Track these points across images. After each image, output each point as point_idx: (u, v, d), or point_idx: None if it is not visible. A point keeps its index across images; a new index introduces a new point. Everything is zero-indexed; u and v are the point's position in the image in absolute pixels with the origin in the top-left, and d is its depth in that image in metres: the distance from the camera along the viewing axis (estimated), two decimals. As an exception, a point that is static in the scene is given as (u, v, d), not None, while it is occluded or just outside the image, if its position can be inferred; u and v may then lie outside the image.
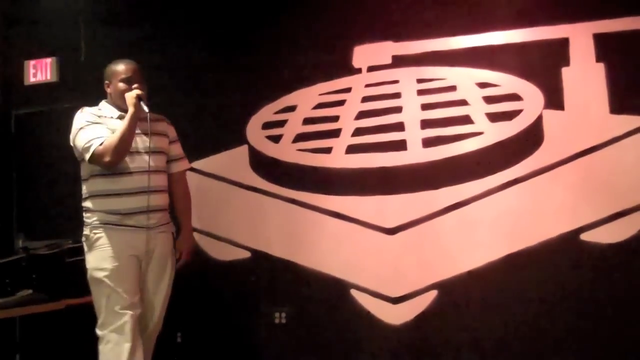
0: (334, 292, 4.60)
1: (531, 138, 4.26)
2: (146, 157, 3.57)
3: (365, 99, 4.67)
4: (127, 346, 3.47)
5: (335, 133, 4.69)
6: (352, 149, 4.64)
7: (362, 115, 4.65)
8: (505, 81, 4.35)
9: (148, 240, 3.55)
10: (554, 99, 4.22)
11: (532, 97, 4.28)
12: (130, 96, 3.55)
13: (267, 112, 4.88)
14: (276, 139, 4.82)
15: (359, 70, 4.70)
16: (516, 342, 4.22)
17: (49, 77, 5.45)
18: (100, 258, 3.54)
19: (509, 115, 4.31)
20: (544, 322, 4.17)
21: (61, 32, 5.38)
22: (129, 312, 3.49)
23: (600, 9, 4.14)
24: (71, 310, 4.22)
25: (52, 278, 4.30)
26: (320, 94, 4.78)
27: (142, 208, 3.52)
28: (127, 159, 3.53)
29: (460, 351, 4.33)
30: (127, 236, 3.53)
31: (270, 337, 4.73)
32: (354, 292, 4.57)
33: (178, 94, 4.98)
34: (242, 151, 4.88)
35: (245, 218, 4.84)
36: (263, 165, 4.84)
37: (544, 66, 4.25)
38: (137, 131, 3.58)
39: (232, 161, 4.84)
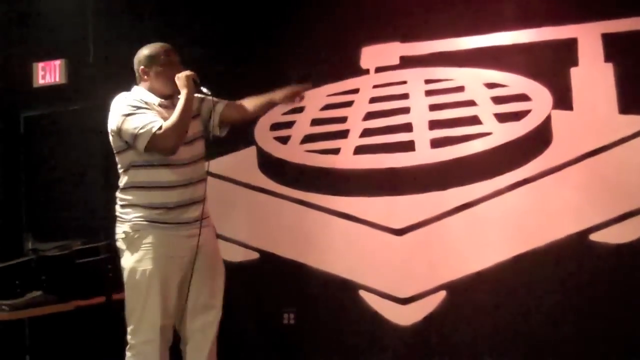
0: (343, 293, 4.60)
1: (540, 138, 4.25)
2: (186, 146, 3.35)
3: (373, 100, 4.67)
4: None
5: (343, 134, 4.69)
6: (360, 150, 4.64)
7: (370, 116, 4.65)
8: (514, 81, 4.34)
9: (195, 235, 3.32)
10: (563, 99, 4.21)
11: (540, 97, 4.27)
12: (184, 76, 3.34)
13: (275, 113, 4.86)
14: (284, 140, 4.83)
15: (366, 71, 4.71)
16: (525, 343, 4.22)
17: (57, 79, 5.47)
18: (141, 259, 3.26)
19: (517, 116, 4.30)
20: (553, 322, 4.16)
21: (70, 34, 5.40)
22: (165, 326, 3.28)
23: (608, 9, 4.13)
24: (81, 312, 4.23)
25: (61, 279, 4.32)
26: (328, 95, 4.78)
27: (187, 201, 3.32)
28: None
29: (469, 352, 4.33)
30: (173, 234, 3.30)
31: (279, 337, 4.74)
32: (362, 293, 4.57)
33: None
34: (250, 152, 4.90)
35: (253, 219, 4.85)
36: (271, 166, 4.85)
37: (553, 66, 4.25)
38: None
39: (240, 162, 4.85)
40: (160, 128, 3.20)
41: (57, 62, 5.48)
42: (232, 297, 4.68)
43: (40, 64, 5.50)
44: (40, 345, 4.70)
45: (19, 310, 3.95)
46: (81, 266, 4.50)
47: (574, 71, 4.20)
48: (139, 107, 3.29)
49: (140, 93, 3.43)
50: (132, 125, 3.25)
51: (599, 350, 4.06)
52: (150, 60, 3.46)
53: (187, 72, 3.37)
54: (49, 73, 5.49)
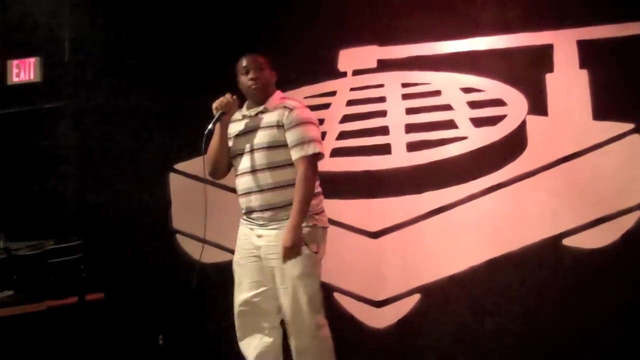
0: (317, 295, 4.60)
1: (515, 143, 4.29)
2: (248, 156, 3.36)
3: (350, 103, 4.69)
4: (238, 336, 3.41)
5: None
6: (336, 152, 4.65)
7: (347, 118, 4.67)
8: (490, 86, 4.38)
9: (257, 236, 3.35)
10: (538, 105, 4.26)
11: (516, 102, 4.31)
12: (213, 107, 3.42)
13: (252, 115, 4.87)
14: (261, 141, 4.82)
15: (344, 74, 4.72)
16: (498, 347, 4.24)
17: (32, 77, 5.40)
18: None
19: (492, 121, 4.34)
20: (525, 326, 4.20)
21: (45, 32, 5.34)
22: (240, 308, 3.39)
23: (584, 16, 4.18)
24: (53, 312, 4.19)
25: (33, 279, 4.26)
26: (305, 97, 4.77)
27: (249, 208, 3.36)
28: (236, 161, 3.41)
29: (442, 355, 4.34)
30: (246, 232, 3.42)
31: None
32: (337, 295, 4.57)
33: (163, 94, 4.97)
34: (226, 153, 4.87)
35: (228, 220, 4.80)
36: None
37: (528, 72, 4.29)
38: (243, 129, 3.41)
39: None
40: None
41: (32, 60, 5.41)
42: (208, 298, 4.69)
43: (15, 62, 5.43)
44: (10, 345, 4.64)
45: (-11, 309, 3.90)
46: (54, 266, 4.45)
47: (549, 77, 4.25)
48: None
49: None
50: None
51: (569, 352, 4.10)
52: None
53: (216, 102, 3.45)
54: (23, 71, 5.42)
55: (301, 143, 3.28)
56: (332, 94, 4.73)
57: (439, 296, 4.36)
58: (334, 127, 4.68)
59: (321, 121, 4.66)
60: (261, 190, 3.33)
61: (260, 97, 3.45)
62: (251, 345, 3.41)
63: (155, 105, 4.99)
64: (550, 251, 4.17)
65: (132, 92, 5.08)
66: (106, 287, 4.56)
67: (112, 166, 5.08)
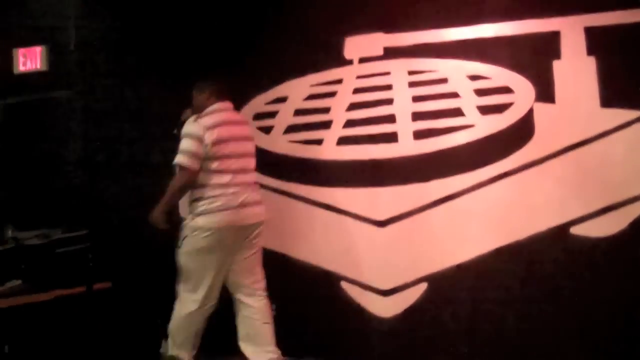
0: (324, 284, 4.61)
1: (522, 131, 4.25)
2: None
3: (357, 91, 4.66)
4: None
5: (327, 124, 4.68)
6: (343, 141, 4.64)
7: (353, 106, 4.64)
8: (497, 74, 4.34)
9: None
10: (545, 92, 4.21)
11: (523, 90, 4.27)
12: None
13: (259, 103, 4.87)
14: (267, 130, 4.82)
15: (350, 62, 4.69)
16: (505, 335, 4.24)
17: (38, 66, 5.41)
18: None
19: (499, 108, 4.30)
20: (532, 315, 4.19)
21: (51, 20, 5.35)
22: None
23: (591, 2, 4.12)
24: (61, 301, 4.21)
25: (41, 269, 4.29)
26: (311, 85, 4.77)
27: None
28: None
29: (449, 343, 4.34)
30: None
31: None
32: (344, 284, 4.58)
33: (168, 83, 4.96)
34: (232, 142, 4.87)
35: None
36: (254, 156, 4.84)
37: (535, 59, 4.24)
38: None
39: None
40: None
41: (38, 49, 5.42)
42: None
43: (22, 50, 5.44)
44: (19, 335, 4.67)
45: (-2, 299, 3.93)
46: (61, 255, 4.47)
47: (556, 64, 4.20)
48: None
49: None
50: None
51: (577, 341, 4.09)
52: None
53: None
54: (29, 60, 5.43)
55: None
56: (339, 82, 4.70)
57: (446, 285, 4.35)
58: (340, 115, 4.66)
59: (327, 109, 4.69)
60: None
61: None
62: None
63: (163, 93, 4.98)
64: (558, 240, 4.14)
65: (139, 80, 5.08)
66: (113, 277, 4.58)
67: (119, 155, 5.09)
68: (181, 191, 4.11)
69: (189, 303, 4.13)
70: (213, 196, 4.04)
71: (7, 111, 5.54)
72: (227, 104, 4.28)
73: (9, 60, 5.46)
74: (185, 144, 4.04)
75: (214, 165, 4.06)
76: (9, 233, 5.27)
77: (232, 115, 4.31)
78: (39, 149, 5.41)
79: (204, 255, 4.08)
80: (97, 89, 5.24)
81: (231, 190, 4.05)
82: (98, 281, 4.47)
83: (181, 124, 4.18)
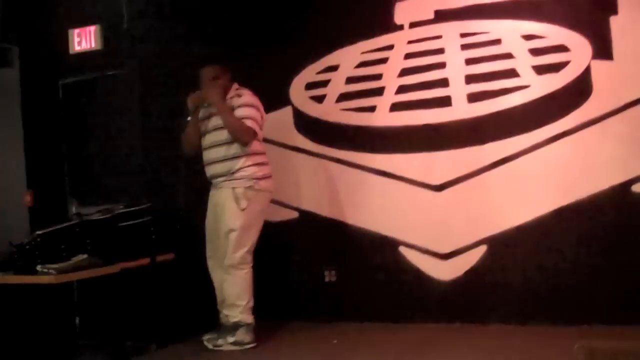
0: (383, 249, 4.64)
1: (579, 90, 4.19)
2: (210, 135, 4.36)
3: (408, 56, 4.64)
4: None
5: (379, 91, 4.68)
6: (396, 107, 4.63)
7: (405, 72, 4.63)
8: (552, 32, 4.27)
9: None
10: (603, 49, 4.13)
11: (579, 48, 4.19)
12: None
13: (310, 73, 4.87)
14: (320, 99, 4.84)
15: (400, 27, 4.66)
16: (566, 295, 4.21)
17: (93, 45, 5.50)
18: None
19: (556, 67, 4.24)
20: (595, 275, 4.15)
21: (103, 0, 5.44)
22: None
23: (649, -45, 4.02)
24: (127, 274, 4.31)
25: (105, 242, 4.39)
26: (362, 53, 4.75)
27: (209, 176, 4.39)
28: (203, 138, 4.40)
29: (510, 305, 4.34)
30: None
31: (321, 294, 4.79)
32: (402, 249, 4.59)
33: (221, 61, 4.99)
34: (286, 112, 4.91)
35: (291, 179, 4.88)
36: (307, 125, 4.86)
37: (592, 16, 4.16)
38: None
39: (276, 123, 4.85)
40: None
41: (92, 28, 5.51)
42: (273, 255, 4.77)
43: (76, 30, 5.54)
44: (89, 307, 4.81)
45: (66, 273, 4.03)
46: (124, 229, 4.57)
47: (613, 20, 4.11)
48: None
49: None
50: None
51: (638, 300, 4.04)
52: None
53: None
54: (84, 39, 5.52)
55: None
56: (390, 48, 4.68)
57: (505, 247, 4.34)
58: (392, 82, 4.65)
59: (379, 76, 4.68)
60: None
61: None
62: None
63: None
64: (619, 198, 4.08)
65: (190, 56, 5.13)
66: (176, 248, 4.68)
67: (175, 130, 5.15)
68: (237, 134, 4.24)
69: (247, 264, 4.27)
70: (266, 163, 4.37)
71: (65, 91, 5.65)
72: None
73: (64, 41, 5.56)
74: (254, 113, 4.29)
75: (261, 135, 4.37)
76: (73, 209, 5.43)
77: None
78: (97, 126, 5.53)
79: (262, 215, 4.37)
80: (151, 66, 5.31)
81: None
82: (161, 253, 4.56)
83: (194, 109, 4.36)
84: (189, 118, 4.40)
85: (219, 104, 4.28)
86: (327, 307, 4.78)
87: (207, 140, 4.38)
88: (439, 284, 4.50)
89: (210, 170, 4.37)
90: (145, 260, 4.47)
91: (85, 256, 4.17)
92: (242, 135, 4.24)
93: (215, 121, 4.34)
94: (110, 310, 4.33)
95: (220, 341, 4.23)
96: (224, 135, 4.28)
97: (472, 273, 4.41)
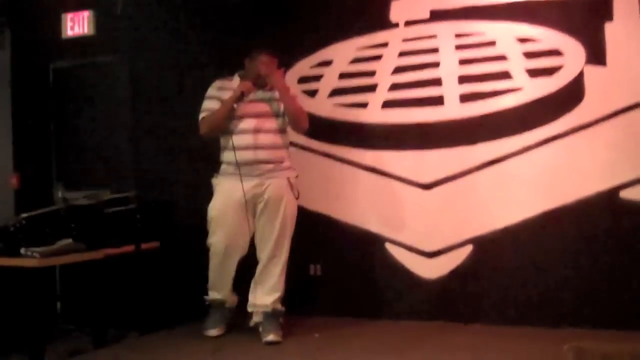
0: (369, 246, 4.64)
1: (571, 94, 4.21)
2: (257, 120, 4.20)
3: (403, 54, 4.64)
4: None
5: (372, 88, 4.68)
6: (388, 104, 4.63)
7: (399, 70, 4.63)
8: (546, 36, 4.29)
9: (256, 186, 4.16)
10: (596, 55, 4.15)
11: (573, 52, 4.21)
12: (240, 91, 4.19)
13: (304, 67, 4.87)
14: (312, 93, 4.83)
15: (396, 25, 4.66)
16: (551, 298, 4.22)
17: (85, 31, 5.47)
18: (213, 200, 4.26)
19: (549, 71, 4.26)
20: (579, 278, 4.16)
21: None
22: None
23: (646, -38, 4.05)
24: (111, 260, 4.29)
25: (91, 228, 4.36)
26: (357, 49, 4.75)
27: (250, 160, 4.15)
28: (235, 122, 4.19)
29: (494, 305, 4.35)
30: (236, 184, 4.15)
31: (305, 288, 4.78)
32: (389, 246, 4.60)
33: (213, 50, 4.99)
34: (278, 105, 4.89)
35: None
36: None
37: (586, 21, 4.18)
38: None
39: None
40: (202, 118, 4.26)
41: (85, 14, 5.47)
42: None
43: (69, 15, 5.50)
44: (71, 293, 4.77)
45: (49, 257, 4.00)
46: (110, 215, 4.55)
47: (608, 26, 4.13)
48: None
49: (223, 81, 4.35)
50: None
51: (627, 307, 4.05)
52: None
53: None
54: (77, 24, 5.49)
55: None
56: (384, 45, 4.69)
57: (491, 248, 4.35)
58: (385, 79, 4.65)
59: (372, 73, 4.68)
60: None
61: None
62: None
63: (208, 56, 5.01)
64: (606, 204, 4.10)
65: (184, 44, 5.11)
66: (161, 237, 4.65)
67: (166, 118, 5.14)
68: (302, 122, 4.27)
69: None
70: None
71: (56, 75, 5.61)
72: None
73: (56, 25, 5.52)
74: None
75: None
76: (59, 194, 5.38)
77: None
78: (86, 111, 5.49)
79: None
80: (143, 52, 5.28)
81: None
82: (146, 241, 4.54)
83: (241, 96, 4.16)
84: (235, 105, 4.14)
85: (287, 91, 4.22)
86: (310, 301, 4.76)
87: (246, 124, 4.16)
88: (423, 282, 4.51)
89: (249, 155, 4.13)
90: (129, 248, 4.45)
91: (69, 241, 4.13)
92: (305, 122, 4.28)
93: (263, 107, 4.22)
94: (93, 296, 4.30)
95: (280, 333, 4.16)
96: (274, 123, 4.21)
97: (457, 272, 4.42)
